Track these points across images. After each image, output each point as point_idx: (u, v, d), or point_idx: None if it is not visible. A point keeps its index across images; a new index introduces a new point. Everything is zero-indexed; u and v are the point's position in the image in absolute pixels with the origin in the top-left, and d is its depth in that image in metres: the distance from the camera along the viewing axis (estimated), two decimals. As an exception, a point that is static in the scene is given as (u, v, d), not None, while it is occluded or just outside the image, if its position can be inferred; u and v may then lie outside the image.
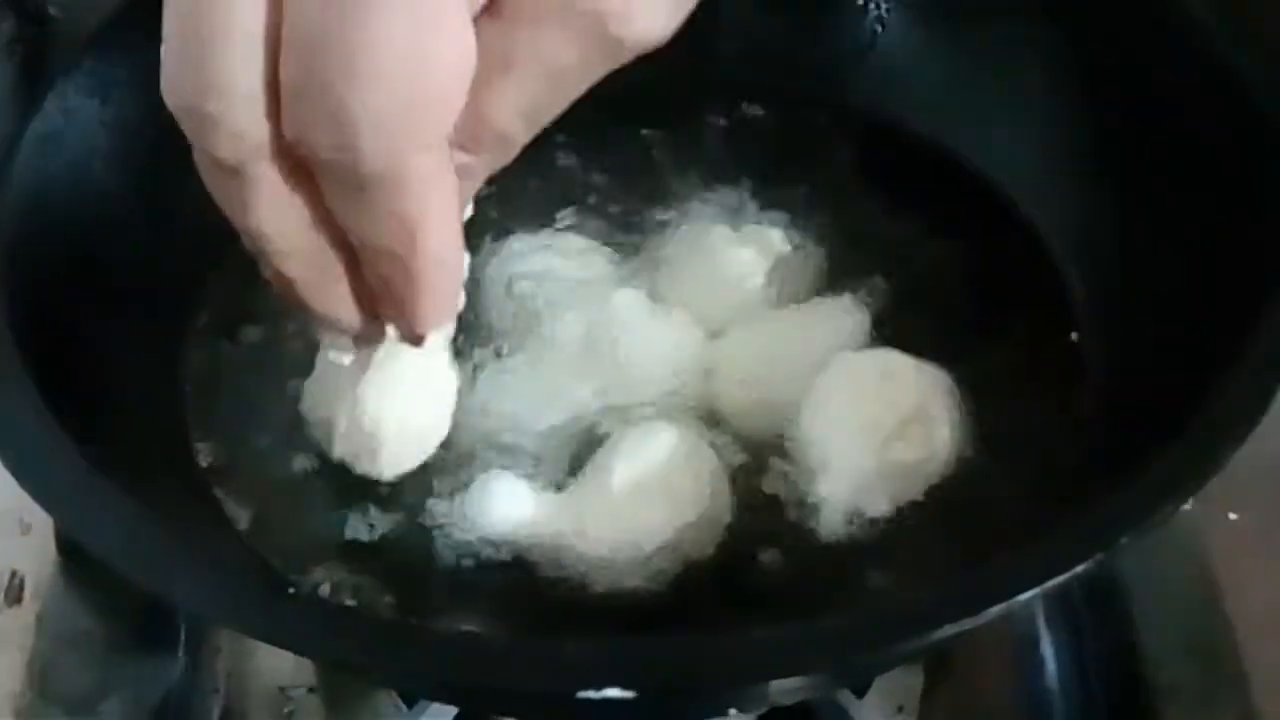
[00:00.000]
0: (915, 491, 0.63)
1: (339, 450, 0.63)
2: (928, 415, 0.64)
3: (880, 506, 0.63)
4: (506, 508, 0.63)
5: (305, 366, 0.65)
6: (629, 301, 0.69)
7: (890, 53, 0.79)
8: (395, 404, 0.60)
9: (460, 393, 0.63)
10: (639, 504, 0.62)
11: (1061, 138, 0.73)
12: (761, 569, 0.62)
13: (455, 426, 0.64)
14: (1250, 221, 0.63)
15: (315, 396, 0.65)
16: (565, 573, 0.62)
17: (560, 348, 0.68)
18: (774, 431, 0.66)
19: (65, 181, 0.67)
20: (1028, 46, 0.75)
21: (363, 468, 0.63)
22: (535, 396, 0.67)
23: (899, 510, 0.63)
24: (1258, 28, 0.67)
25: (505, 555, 0.62)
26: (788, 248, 0.72)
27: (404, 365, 0.59)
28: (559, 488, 0.64)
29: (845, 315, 0.69)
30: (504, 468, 0.65)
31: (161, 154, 0.70)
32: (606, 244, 0.73)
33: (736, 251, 0.71)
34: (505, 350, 0.69)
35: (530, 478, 0.64)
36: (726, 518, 0.63)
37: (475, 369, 0.68)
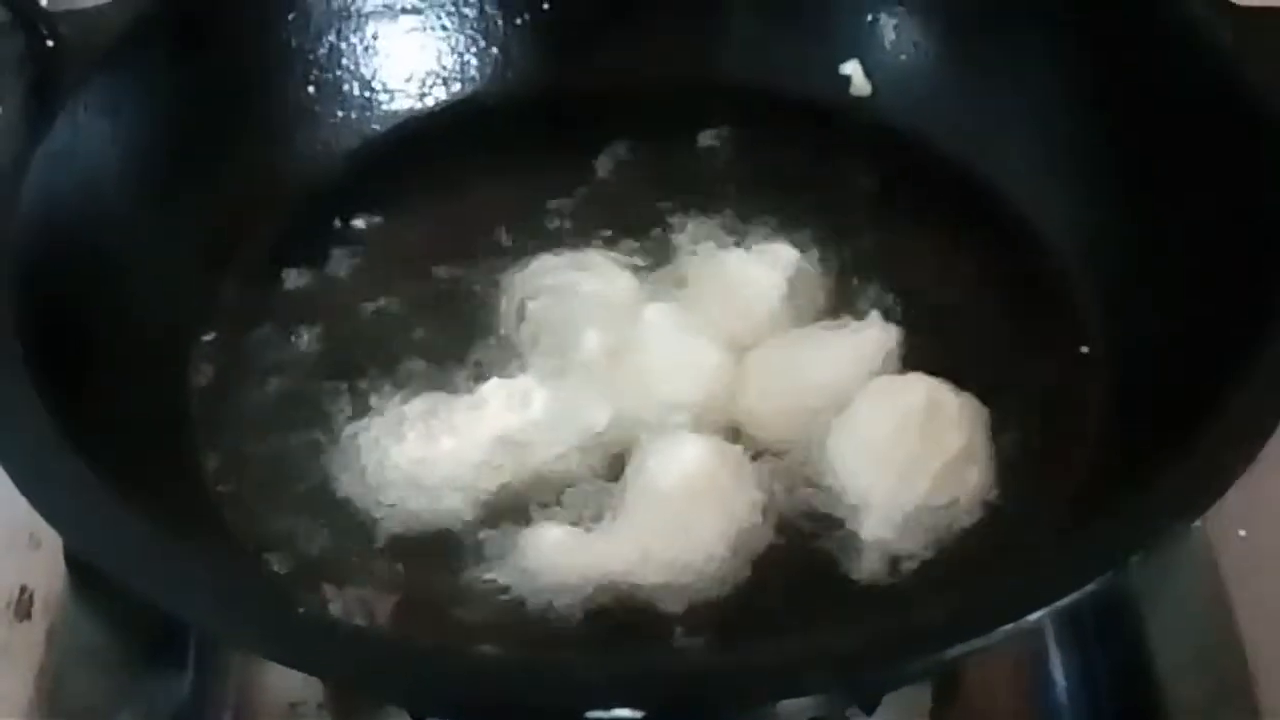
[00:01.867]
0: (945, 530, 0.63)
1: None
2: (970, 455, 0.64)
3: (916, 547, 0.63)
4: (555, 555, 0.62)
5: (311, 381, 0.66)
6: (659, 316, 0.69)
7: (898, 65, 0.79)
8: None
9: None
10: (689, 518, 0.62)
11: (1071, 150, 0.74)
12: (792, 602, 0.62)
13: (484, 447, 0.64)
14: (1259, 238, 0.62)
15: None
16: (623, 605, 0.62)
17: (587, 364, 0.68)
18: (804, 453, 0.65)
19: (75, 198, 0.68)
20: (1036, 58, 0.75)
21: None
22: (561, 415, 0.67)
23: (931, 549, 0.63)
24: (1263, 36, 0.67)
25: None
26: (803, 265, 0.72)
27: None
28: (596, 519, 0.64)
29: (872, 332, 0.69)
30: (541, 504, 0.64)
31: (170, 171, 0.72)
32: (626, 264, 0.73)
33: (753, 270, 0.71)
34: (530, 368, 0.69)
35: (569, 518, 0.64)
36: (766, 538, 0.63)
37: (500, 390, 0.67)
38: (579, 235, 0.75)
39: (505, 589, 0.62)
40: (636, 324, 0.69)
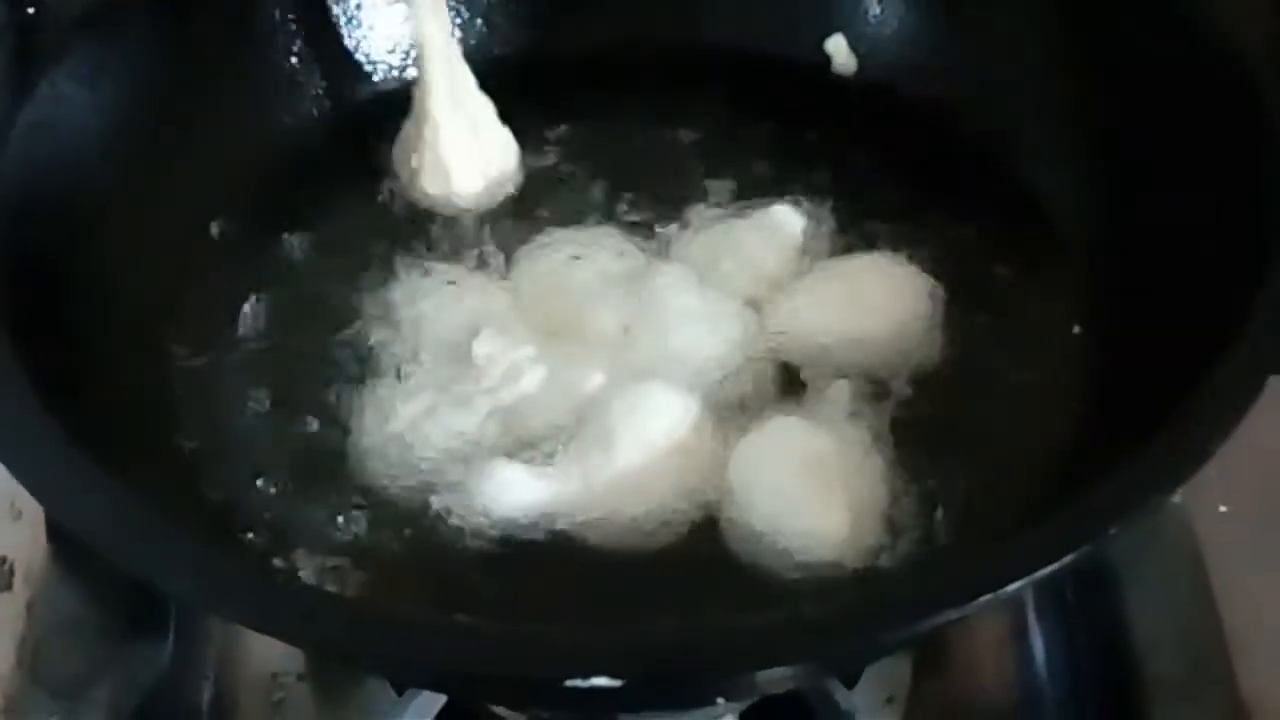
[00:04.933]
0: None
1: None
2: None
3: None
4: (506, 492, 0.63)
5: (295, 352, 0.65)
6: (671, 276, 0.69)
7: (883, 36, 0.79)
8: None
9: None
10: (643, 470, 0.62)
11: (1064, 121, 0.73)
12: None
13: (489, 415, 0.64)
14: (1246, 213, 0.62)
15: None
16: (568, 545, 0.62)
17: (597, 337, 0.68)
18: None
19: (56, 168, 0.67)
20: (1037, 25, 0.75)
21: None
22: (559, 384, 0.66)
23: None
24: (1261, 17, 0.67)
25: (500, 536, 0.62)
26: (805, 225, 0.72)
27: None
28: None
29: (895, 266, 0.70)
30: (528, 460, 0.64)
31: (151, 141, 0.71)
32: (626, 237, 0.73)
33: (761, 237, 0.71)
34: (546, 340, 0.68)
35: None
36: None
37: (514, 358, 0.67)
38: (572, 208, 0.74)
39: (460, 527, 0.62)
40: (647, 291, 0.68)
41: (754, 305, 0.69)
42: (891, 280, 0.69)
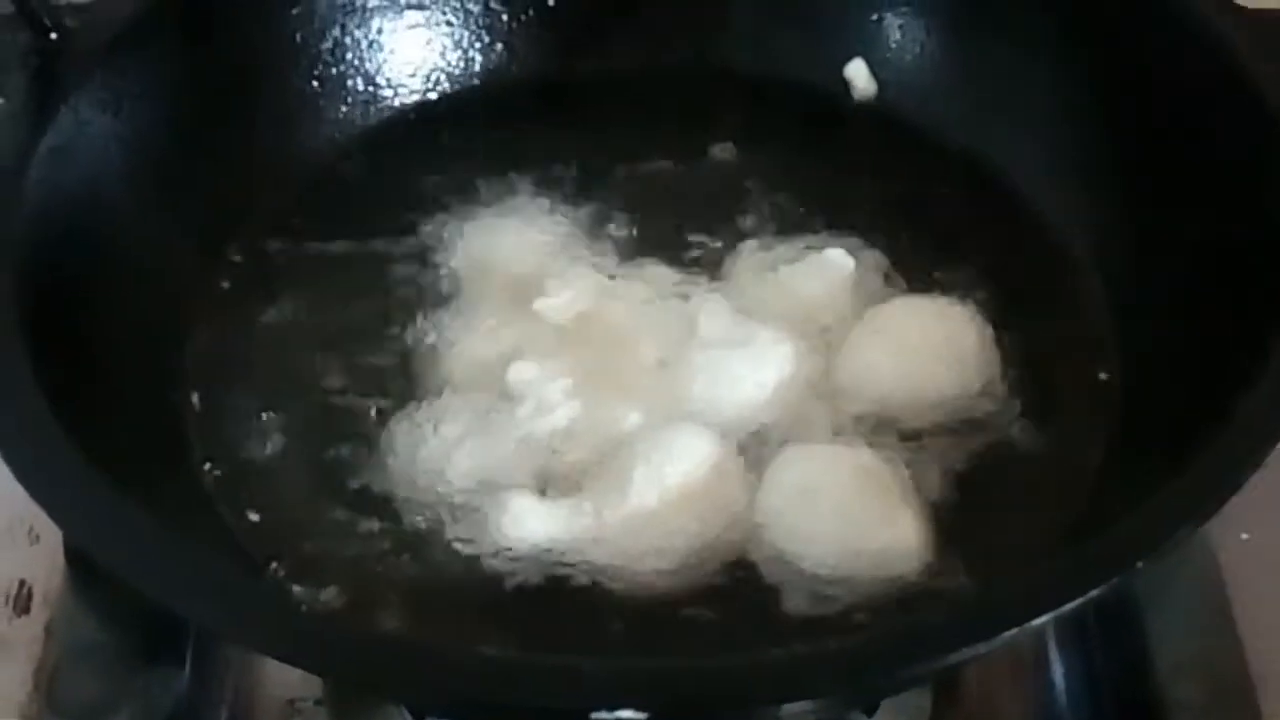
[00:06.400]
0: None
1: None
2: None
3: None
4: (520, 525, 0.62)
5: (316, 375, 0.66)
6: (719, 314, 0.68)
7: (904, 63, 0.79)
8: None
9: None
10: (667, 513, 0.62)
11: (1081, 148, 0.73)
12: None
13: (519, 446, 0.64)
14: (1265, 239, 0.62)
15: None
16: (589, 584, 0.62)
17: (635, 374, 0.67)
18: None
19: (78, 193, 0.67)
20: (1047, 55, 0.75)
21: None
22: (592, 421, 0.66)
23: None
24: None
25: (525, 570, 0.62)
26: (855, 267, 0.70)
27: None
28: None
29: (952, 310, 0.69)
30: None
31: (172, 165, 0.72)
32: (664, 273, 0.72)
33: (810, 277, 0.70)
34: (584, 374, 0.67)
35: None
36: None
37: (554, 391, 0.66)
38: (606, 242, 0.74)
39: (473, 556, 0.62)
40: (689, 328, 0.67)
41: (803, 347, 0.68)
42: (950, 326, 0.68)
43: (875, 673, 0.51)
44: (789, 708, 0.53)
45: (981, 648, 0.50)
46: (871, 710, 0.70)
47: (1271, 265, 0.61)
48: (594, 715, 0.48)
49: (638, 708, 0.48)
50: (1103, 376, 0.67)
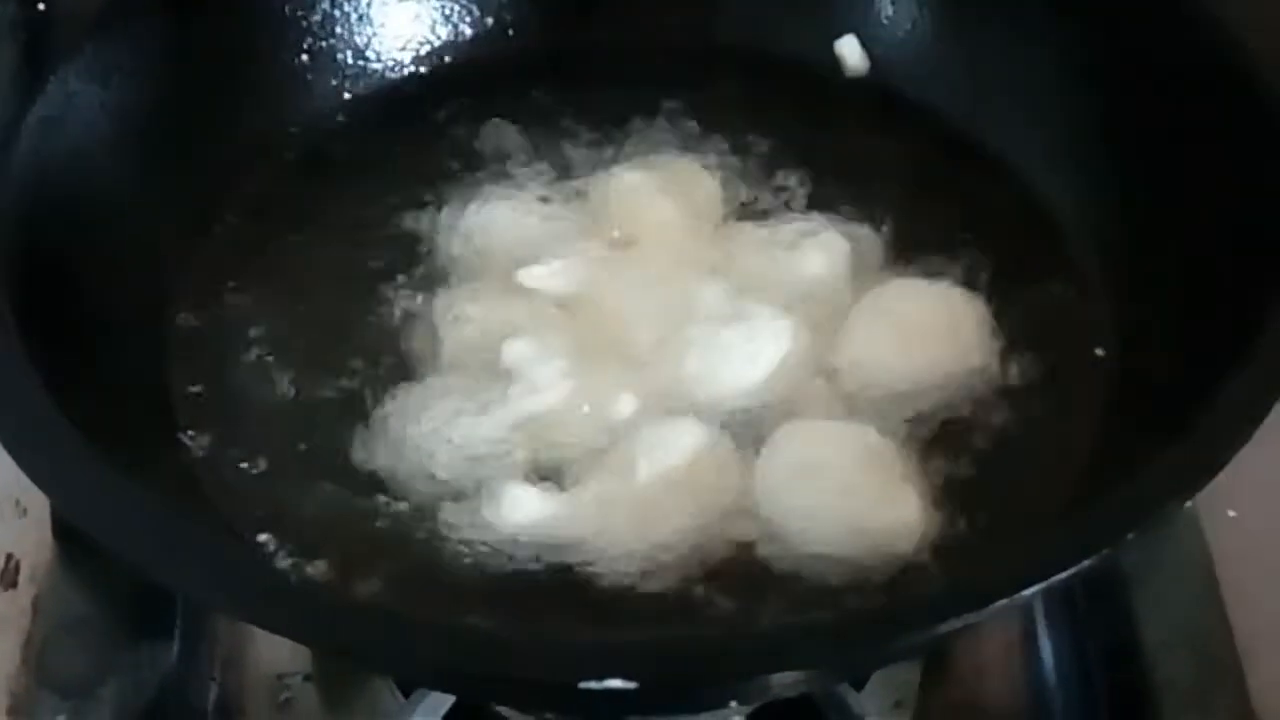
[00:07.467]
0: None
1: None
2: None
3: None
4: (517, 509, 0.62)
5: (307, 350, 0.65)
6: (717, 295, 0.67)
7: (896, 38, 0.79)
8: None
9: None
10: (660, 500, 0.61)
11: (1075, 126, 0.73)
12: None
13: (512, 427, 0.64)
14: (1258, 221, 0.63)
15: None
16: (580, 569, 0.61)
17: (631, 354, 0.67)
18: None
19: (66, 165, 0.67)
20: (1042, 31, 0.75)
21: None
22: (588, 403, 0.65)
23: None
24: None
25: (517, 554, 0.62)
26: (851, 249, 0.70)
27: None
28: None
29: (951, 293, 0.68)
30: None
31: (161, 137, 0.71)
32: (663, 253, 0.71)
33: (808, 259, 0.69)
34: (580, 355, 0.67)
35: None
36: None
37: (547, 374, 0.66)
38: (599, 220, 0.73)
39: (464, 537, 0.61)
40: (687, 309, 0.67)
41: (801, 328, 0.67)
42: (948, 306, 0.68)
43: (864, 643, 0.51)
44: (777, 679, 0.53)
45: (971, 619, 0.49)
46: (861, 684, 0.70)
47: (1266, 244, 0.61)
48: (583, 685, 0.48)
49: (626, 678, 0.48)
50: (1099, 353, 0.67)
